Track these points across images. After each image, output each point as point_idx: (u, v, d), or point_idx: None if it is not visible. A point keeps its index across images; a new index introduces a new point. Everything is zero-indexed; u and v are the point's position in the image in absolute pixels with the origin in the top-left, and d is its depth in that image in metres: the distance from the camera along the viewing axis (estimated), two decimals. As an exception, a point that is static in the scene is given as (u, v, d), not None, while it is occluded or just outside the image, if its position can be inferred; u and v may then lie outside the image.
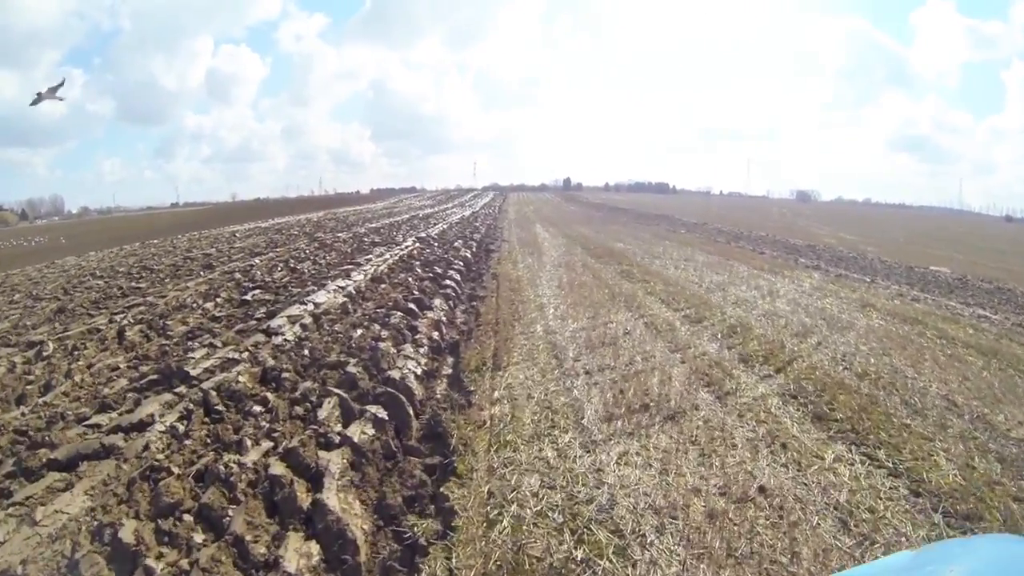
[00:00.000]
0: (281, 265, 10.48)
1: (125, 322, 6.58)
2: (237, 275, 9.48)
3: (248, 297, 7.55)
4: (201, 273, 9.98)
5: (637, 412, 3.85)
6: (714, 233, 22.64)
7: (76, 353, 5.60)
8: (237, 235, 18.66)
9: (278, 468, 3.08)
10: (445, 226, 19.11)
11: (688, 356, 5.08)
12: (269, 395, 4.15)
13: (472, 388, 4.24)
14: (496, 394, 4.15)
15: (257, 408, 3.99)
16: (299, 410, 3.87)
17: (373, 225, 19.67)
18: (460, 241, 14.49)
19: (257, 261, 11.14)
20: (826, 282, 10.34)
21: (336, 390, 3.92)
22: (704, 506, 2.88)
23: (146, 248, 16.22)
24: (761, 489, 3.07)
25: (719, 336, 5.80)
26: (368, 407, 3.78)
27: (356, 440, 3.31)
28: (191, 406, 3.99)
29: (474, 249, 13.48)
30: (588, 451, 3.39)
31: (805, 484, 3.18)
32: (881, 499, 3.01)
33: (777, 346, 5.50)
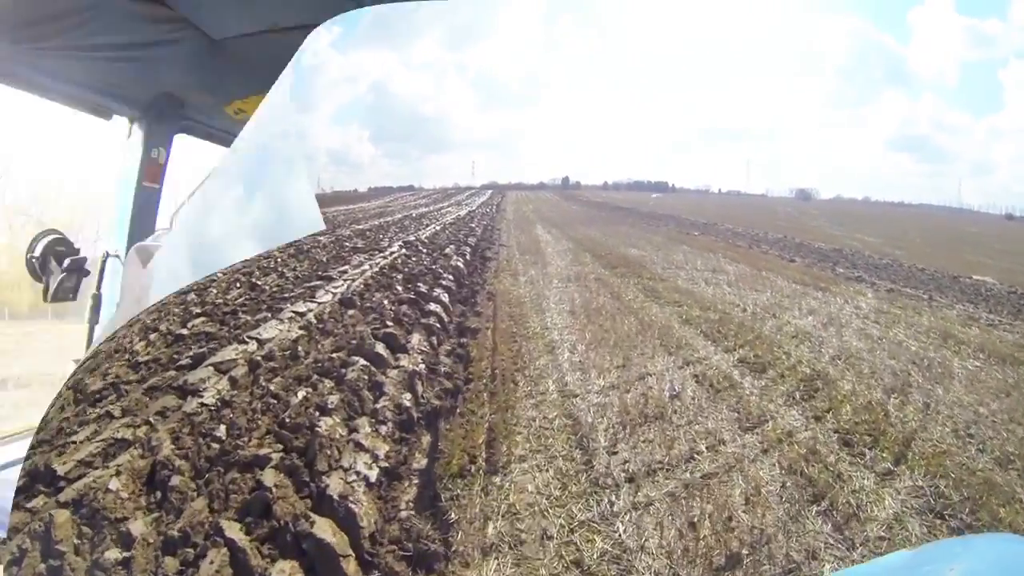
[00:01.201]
0: (242, 280, 8.97)
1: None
2: (191, 295, 7.99)
3: (185, 330, 6.06)
4: (148, 289, 8.51)
5: (725, 573, 2.36)
6: (729, 235, 21.08)
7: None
8: (213, 238, 17.16)
9: None
10: (438, 227, 17.56)
11: (769, 439, 3.56)
12: (137, 525, 2.65)
13: (453, 515, 2.71)
14: (491, 530, 2.60)
15: (111, 555, 2.50)
16: (170, 567, 2.40)
17: (360, 227, 18.10)
18: (452, 247, 12.95)
19: (219, 275, 9.65)
20: (881, 301, 8.83)
21: (231, 531, 2.43)
22: None
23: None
24: None
25: (797, 397, 4.27)
26: (277, 568, 2.31)
27: None
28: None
29: (467, 257, 11.95)
30: None
31: None
32: None
33: (879, 414, 3.98)
